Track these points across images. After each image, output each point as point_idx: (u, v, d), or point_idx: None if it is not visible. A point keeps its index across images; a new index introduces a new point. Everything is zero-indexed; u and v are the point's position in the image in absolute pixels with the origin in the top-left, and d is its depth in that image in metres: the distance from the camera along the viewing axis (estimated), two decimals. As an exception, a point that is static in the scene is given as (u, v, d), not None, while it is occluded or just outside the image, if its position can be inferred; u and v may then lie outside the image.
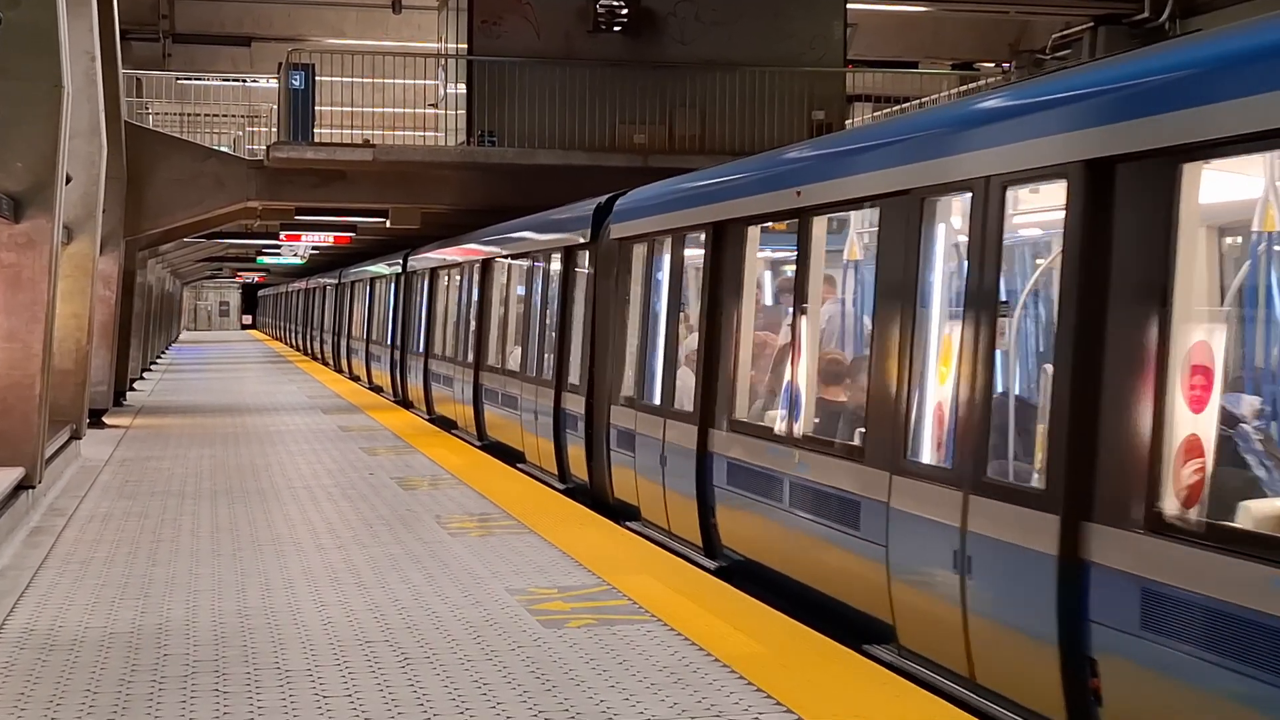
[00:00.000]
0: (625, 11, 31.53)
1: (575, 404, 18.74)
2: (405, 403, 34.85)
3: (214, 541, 13.47)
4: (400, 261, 38.66)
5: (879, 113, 34.17)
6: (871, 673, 8.82)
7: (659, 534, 14.84)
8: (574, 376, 19.24)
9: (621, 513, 16.20)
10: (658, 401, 15.58)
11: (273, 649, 9.23)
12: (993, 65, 39.89)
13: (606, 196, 18.96)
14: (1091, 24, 33.76)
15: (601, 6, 31.55)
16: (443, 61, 34.60)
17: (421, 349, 33.59)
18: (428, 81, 35.59)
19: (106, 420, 26.72)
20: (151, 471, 19.20)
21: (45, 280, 15.53)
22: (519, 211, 26.09)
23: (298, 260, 66.73)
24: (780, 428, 12.73)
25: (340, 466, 19.74)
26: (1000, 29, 39.06)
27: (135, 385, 37.62)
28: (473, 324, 27.32)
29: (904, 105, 33.99)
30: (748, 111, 31.30)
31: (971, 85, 35.25)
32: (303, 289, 77.82)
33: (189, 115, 39.60)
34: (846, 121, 33.05)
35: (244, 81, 42.35)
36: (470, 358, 27.05)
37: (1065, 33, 35.20)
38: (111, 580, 11.54)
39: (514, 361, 23.94)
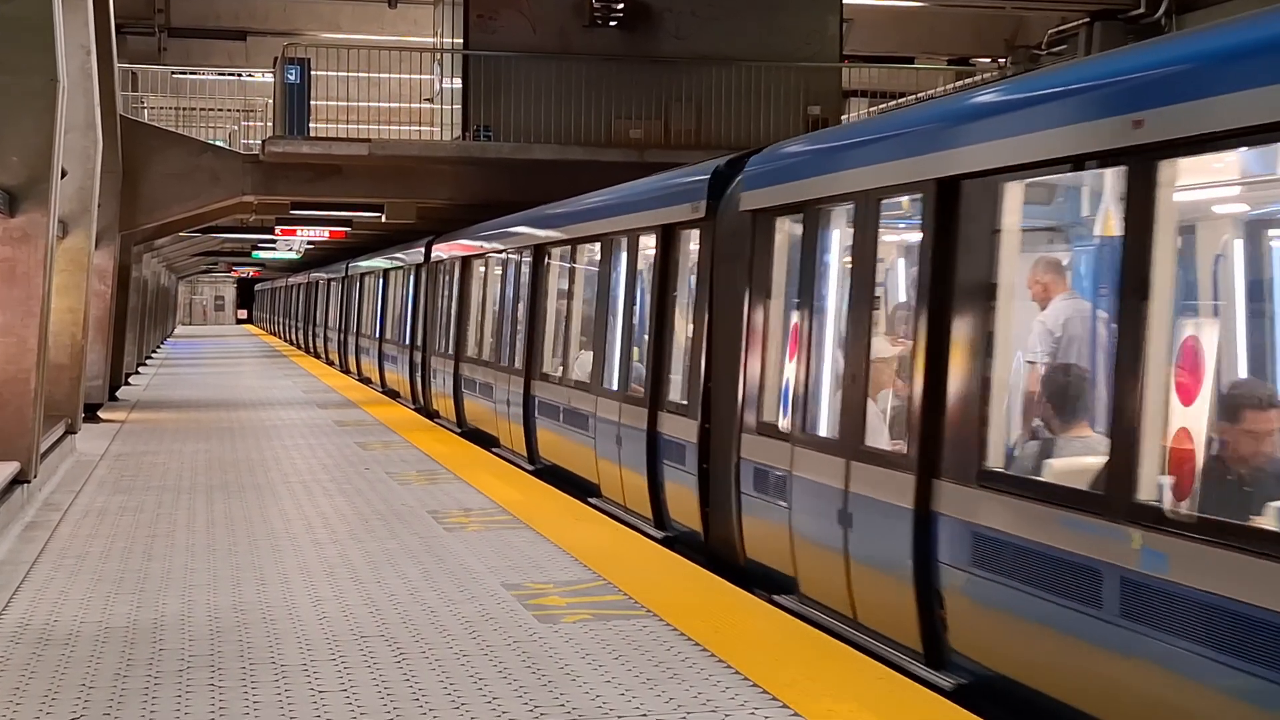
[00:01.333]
0: (621, 6, 31.50)
1: (680, 429, 14.82)
2: (428, 412, 30.49)
3: (209, 536, 13.44)
4: (422, 250, 33.96)
5: (874, 109, 34.15)
6: (872, 670, 8.82)
7: (832, 619, 10.85)
8: (678, 393, 15.34)
9: (759, 579, 12.43)
10: (835, 435, 11.43)
11: (268, 644, 9.22)
12: (989, 61, 39.88)
13: (725, 159, 15.17)
14: (1087, 19, 33.76)
15: (597, 1, 31.53)
16: (438, 56, 34.60)
17: (450, 350, 28.72)
18: (423, 76, 35.60)
19: (101, 415, 26.72)
20: (147, 466, 19.17)
21: (40, 275, 15.51)
22: (515, 207, 25.94)
23: (293, 255, 66.53)
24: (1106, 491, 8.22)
25: (336, 461, 19.72)
26: (996, 24, 39.01)
27: (130, 380, 37.56)
28: (522, 323, 22.75)
29: (899, 101, 33.93)
30: (743, 106, 31.31)
31: (968, 81, 35.26)
32: (304, 282, 73.48)
33: (184, 109, 39.53)
34: (842, 117, 33.03)
35: (239, 76, 42.36)
36: (518, 363, 22.49)
37: (1061, 28, 35.19)
38: (107, 575, 11.52)
39: (582, 370, 19.25)
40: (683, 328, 15.63)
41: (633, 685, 8.19)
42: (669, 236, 16.03)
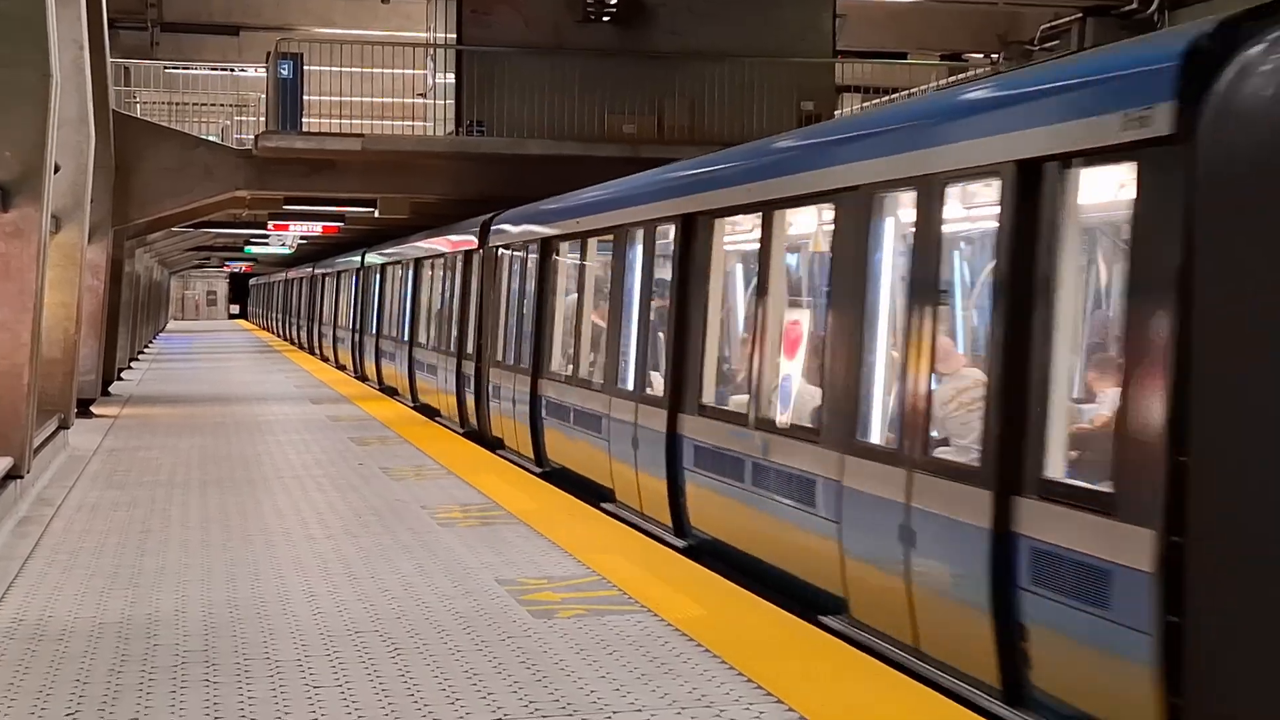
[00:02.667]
0: (615, 2, 31.53)
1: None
2: (489, 440, 22.93)
3: (203, 532, 13.43)
4: (475, 233, 26.70)
5: (868, 104, 34.18)
6: (864, 664, 8.84)
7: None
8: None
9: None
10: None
11: (262, 639, 9.23)
12: (982, 56, 39.93)
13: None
14: (1080, 15, 33.79)
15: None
16: (432, 51, 34.60)
17: (526, 361, 21.45)
18: (417, 71, 35.60)
19: (94, 410, 26.68)
20: (140, 461, 19.16)
21: (33, 269, 15.49)
22: (510, 202, 25.85)
23: (286, 250, 66.40)
24: None
25: (330, 457, 19.71)
26: (989, 20, 39.05)
27: (123, 375, 37.56)
28: (661, 330, 16.03)
29: (894, 96, 33.97)
30: (737, 102, 31.33)
31: (961, 76, 35.28)
32: (308, 276, 67.05)
33: (177, 104, 39.57)
34: (835, 112, 33.07)
35: (232, 71, 42.33)
36: (657, 388, 15.90)
37: (1054, 24, 35.21)
38: (100, 570, 11.51)
39: (805, 409, 12.62)
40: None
41: (627, 680, 8.21)
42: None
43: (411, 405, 26.83)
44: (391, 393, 30.01)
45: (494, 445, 22.53)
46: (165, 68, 40.66)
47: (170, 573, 11.41)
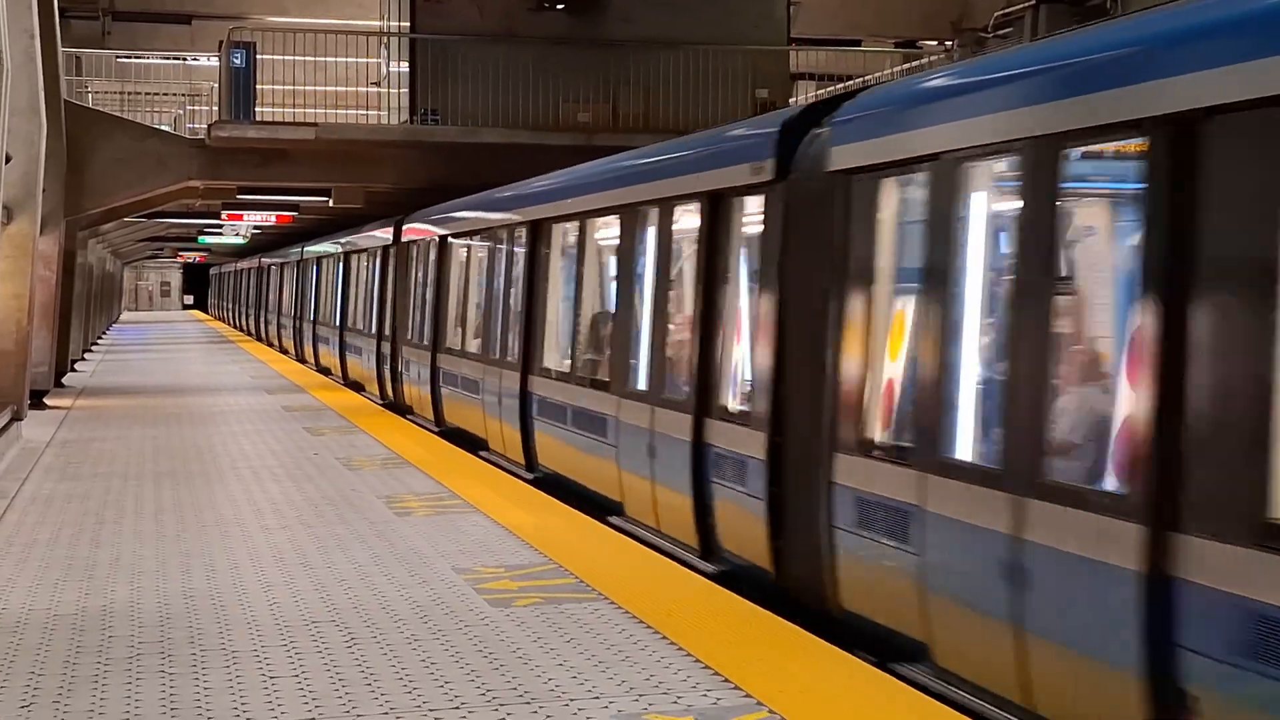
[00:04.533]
0: (569, -9, 31.59)
1: None
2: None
3: (158, 523, 13.36)
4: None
5: (821, 91, 34.21)
6: (823, 651, 8.82)
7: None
8: None
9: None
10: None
11: (218, 630, 9.19)
12: (936, 43, 40.01)
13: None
14: (1033, 2, 33.92)
15: (540, -16, 31.62)
16: (385, 40, 34.53)
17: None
18: (370, 60, 35.51)
19: (47, 401, 26.55)
20: (94, 453, 19.07)
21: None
22: (462, 191, 25.90)
23: (240, 240, 66.09)
24: None
25: (285, 447, 19.65)
26: (943, 7, 39.10)
27: (76, 366, 37.43)
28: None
29: (847, 82, 34.02)
30: (692, 90, 31.34)
31: (915, 63, 35.40)
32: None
33: (129, 94, 39.39)
34: (790, 100, 33.11)
35: (184, 60, 42.17)
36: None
37: (1007, 11, 35.27)
38: (55, 562, 11.44)
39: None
40: None
41: (585, 668, 8.22)
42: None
43: (343, 382, 27.21)
44: (326, 373, 30.17)
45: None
46: (117, 57, 40.48)
47: (125, 564, 11.35)
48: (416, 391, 25.51)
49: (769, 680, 7.98)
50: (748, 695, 7.67)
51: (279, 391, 30.23)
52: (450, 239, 24.59)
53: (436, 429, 23.31)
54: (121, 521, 13.45)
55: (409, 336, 26.63)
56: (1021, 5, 34.57)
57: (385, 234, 28.35)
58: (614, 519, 14.64)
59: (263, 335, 57.79)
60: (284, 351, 42.00)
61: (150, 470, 17.13)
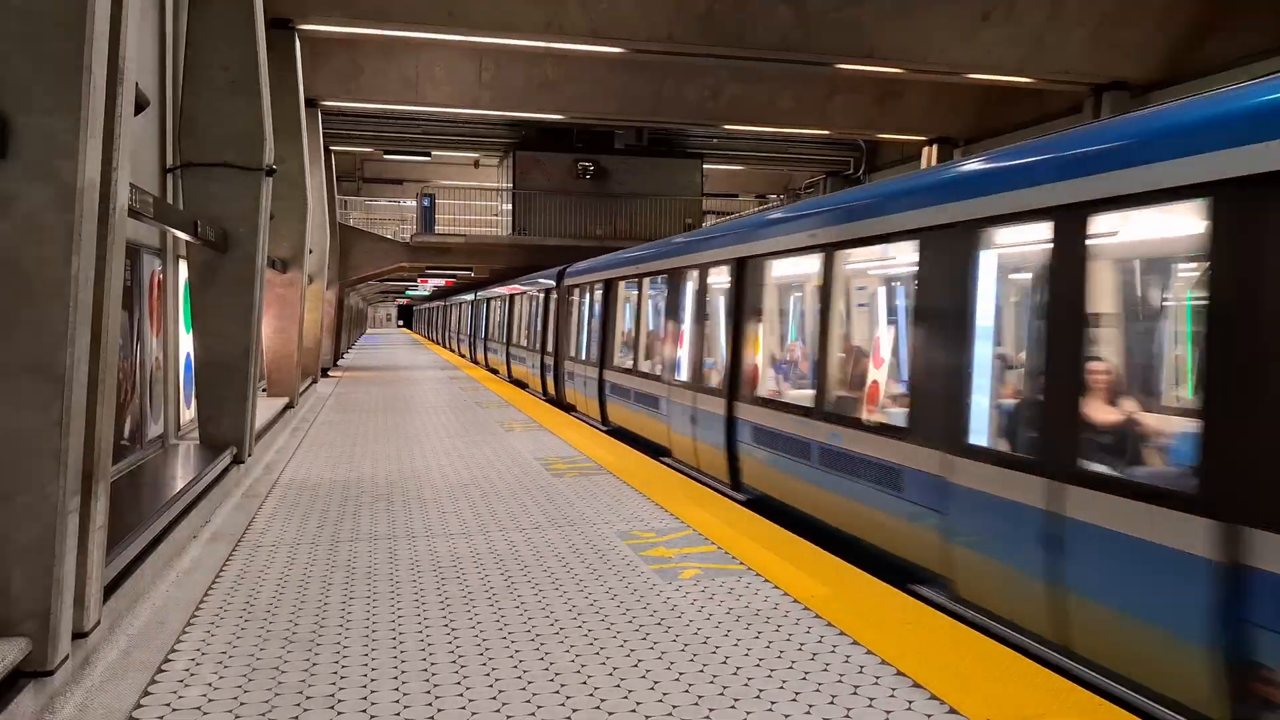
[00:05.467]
0: (592, 169, 31.69)
1: None
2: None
3: (385, 434, 13.29)
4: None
5: (717, 222, 34.24)
6: (738, 513, 8.62)
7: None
8: None
9: None
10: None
11: (416, 489, 9.16)
12: (775, 196, 40.09)
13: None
14: (824, 176, 33.93)
15: (580, 166, 31.64)
16: (500, 191, 34.54)
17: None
18: (492, 203, 35.48)
19: (330, 373, 26.46)
20: (352, 399, 18.96)
21: (298, 302, 15.41)
22: (536, 269, 25.84)
23: (426, 292, 65.43)
24: None
25: (450, 399, 19.53)
26: (779, 176, 39.20)
27: (343, 357, 37.23)
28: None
29: (731, 216, 34.04)
30: (653, 219, 31.42)
31: (765, 207, 35.39)
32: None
33: (371, 218, 39.28)
34: (703, 223, 33.18)
35: (399, 202, 42.00)
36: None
37: (810, 180, 35.36)
38: (334, 455, 11.43)
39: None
40: None
41: (601, 509, 8.05)
42: None
43: (507, 379, 26.68)
44: (494, 372, 29.89)
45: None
46: (365, 201, 40.31)
47: (368, 455, 11.33)
48: (578, 395, 17.60)
49: (690, 511, 7.87)
50: (681, 521, 7.64)
51: (448, 368, 30.12)
52: (591, 284, 17.50)
53: (556, 403, 18.89)
54: (366, 434, 13.43)
55: (571, 353, 18.46)
56: (818, 177, 34.67)
57: (550, 280, 20.63)
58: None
59: (445, 344, 56.37)
60: (461, 356, 41.44)
61: (381, 408, 17.05)
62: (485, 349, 34.21)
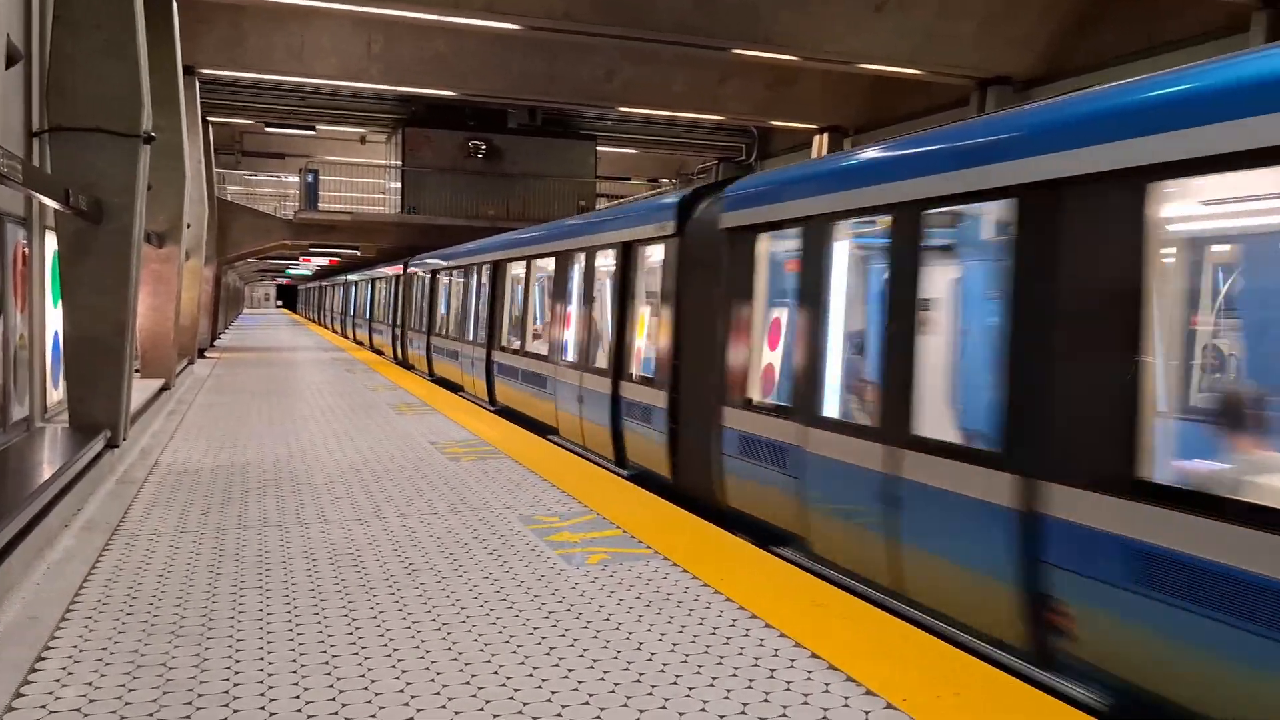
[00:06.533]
0: (484, 148, 31.23)
1: None
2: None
3: (268, 417, 12.84)
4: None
5: (608, 205, 34.23)
6: (618, 486, 8.57)
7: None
8: None
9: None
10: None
11: (305, 473, 8.88)
12: (668, 181, 40.23)
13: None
14: (718, 161, 34.19)
15: (472, 145, 31.14)
16: (389, 169, 33.74)
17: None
18: (380, 180, 34.64)
19: (206, 354, 25.45)
20: (232, 380, 18.27)
21: (175, 279, 14.74)
22: (429, 248, 25.42)
23: (308, 272, 63.70)
24: None
25: (333, 378, 19.03)
26: (672, 161, 39.34)
27: (220, 336, 35.90)
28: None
29: (620, 200, 34.07)
30: (545, 200, 31.13)
31: (656, 191, 35.52)
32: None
33: (250, 194, 37.92)
34: (595, 206, 33.07)
35: (279, 177, 40.75)
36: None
37: (704, 165, 35.59)
38: (216, 438, 10.97)
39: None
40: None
41: (500, 493, 7.94)
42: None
43: (395, 361, 26.17)
44: (379, 353, 29.25)
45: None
46: (244, 175, 38.87)
47: (252, 438, 10.92)
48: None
49: (597, 499, 7.83)
50: (584, 505, 7.58)
51: (330, 350, 29.33)
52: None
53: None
54: (249, 416, 12.95)
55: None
56: (711, 161, 34.93)
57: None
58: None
59: (324, 323, 55.84)
60: (346, 337, 40.59)
61: (264, 390, 16.47)
62: (370, 330, 33.50)
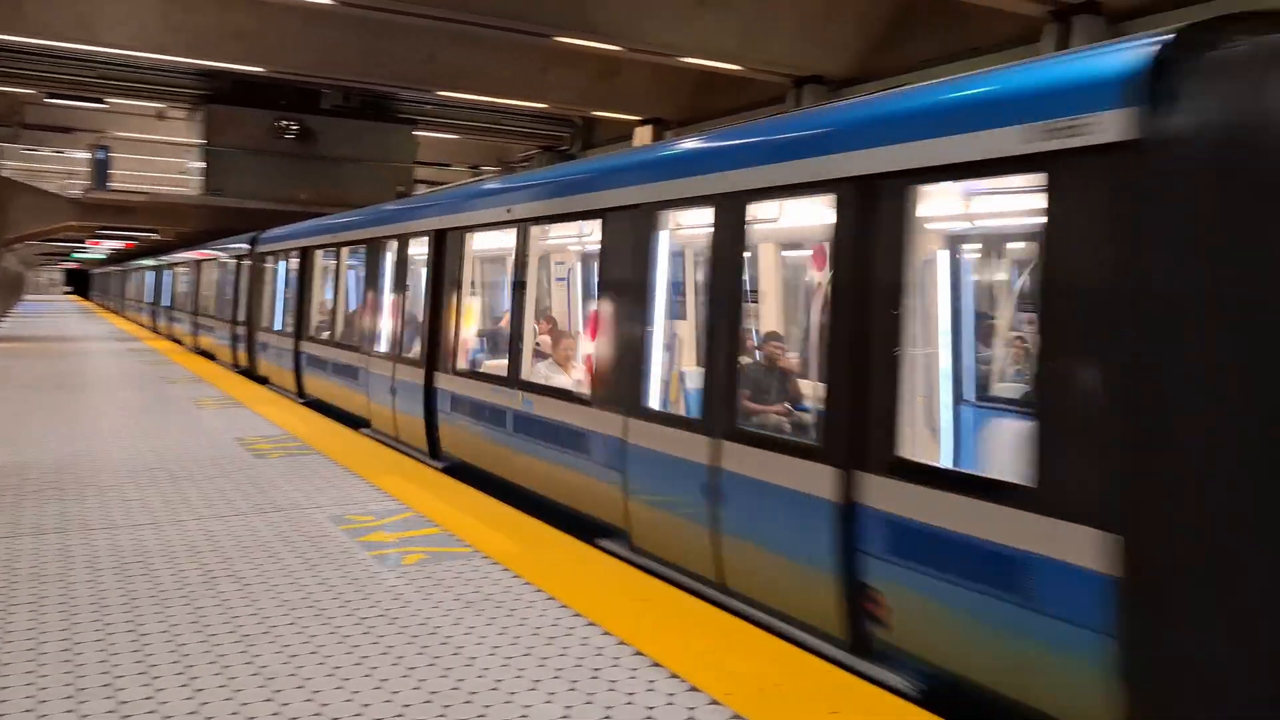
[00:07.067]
0: (296, 128, 30.01)
1: None
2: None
3: (53, 413, 11.82)
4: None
5: (427, 191, 33.64)
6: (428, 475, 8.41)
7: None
8: None
9: None
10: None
11: (92, 474, 8.18)
12: (490, 167, 39.76)
13: None
14: (539, 150, 34.02)
15: (282, 125, 29.87)
16: (190, 148, 31.95)
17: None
18: (181, 160, 32.77)
19: (-20, 344, 23.40)
20: (12, 373, 16.80)
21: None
22: (228, 233, 24.11)
23: (101, 256, 59.67)
24: None
25: (129, 370, 17.78)
26: (494, 149, 38.86)
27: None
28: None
29: (441, 187, 33.49)
30: (364, 185, 30.17)
31: (479, 178, 35.09)
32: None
33: (33, 171, 35.08)
34: (414, 192, 32.34)
35: (62, 152, 37.98)
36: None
37: (527, 153, 35.35)
38: (-13, 436, 10.05)
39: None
40: None
41: (311, 491, 7.59)
42: None
43: (195, 351, 24.65)
44: (179, 343, 27.57)
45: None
46: (24, 150, 35.91)
47: (35, 436, 9.99)
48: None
49: (409, 490, 7.57)
50: (401, 502, 7.31)
51: (125, 339, 27.45)
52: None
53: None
54: (32, 413, 11.89)
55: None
56: (533, 150, 34.72)
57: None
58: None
59: (125, 313, 52.01)
60: (143, 327, 38.07)
61: (47, 384, 15.20)
62: (170, 319, 31.63)
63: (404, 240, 11.17)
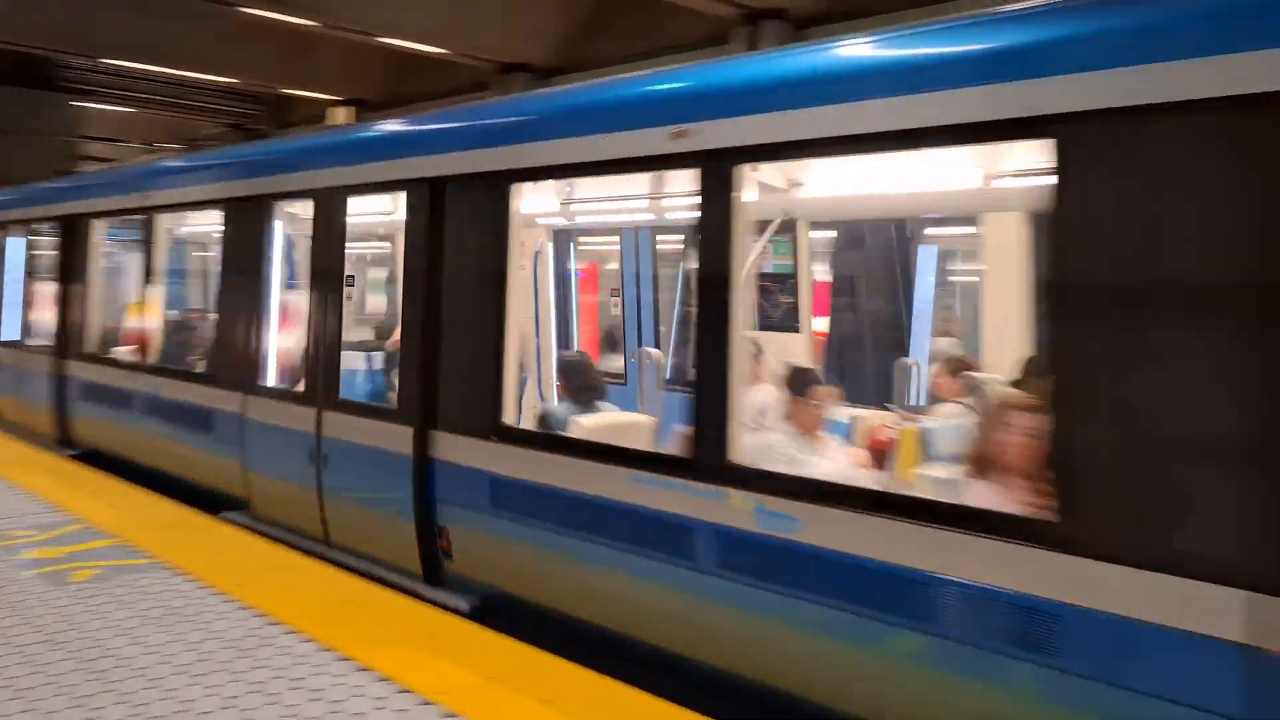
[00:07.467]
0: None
1: None
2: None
3: None
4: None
5: (100, 169, 30.62)
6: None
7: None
8: None
9: None
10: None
11: None
12: (171, 145, 36.82)
13: None
14: (231, 127, 31.88)
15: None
16: None
17: None
18: None
19: None
20: None
21: None
22: None
23: None
24: None
25: None
26: (179, 125, 36.06)
27: None
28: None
29: (112, 163, 30.56)
30: (11, 158, 26.98)
31: (159, 157, 32.36)
32: None
33: None
34: (79, 169, 29.29)
35: None
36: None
37: (213, 131, 33.02)
38: None
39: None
40: None
41: (10, 501, 6.71)
42: None
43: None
44: None
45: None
46: None
47: None
48: None
49: (79, 500, 6.85)
50: (69, 514, 6.55)
51: None
52: None
53: None
54: None
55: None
56: (221, 129, 32.45)
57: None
58: None
59: None
60: None
61: None
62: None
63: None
